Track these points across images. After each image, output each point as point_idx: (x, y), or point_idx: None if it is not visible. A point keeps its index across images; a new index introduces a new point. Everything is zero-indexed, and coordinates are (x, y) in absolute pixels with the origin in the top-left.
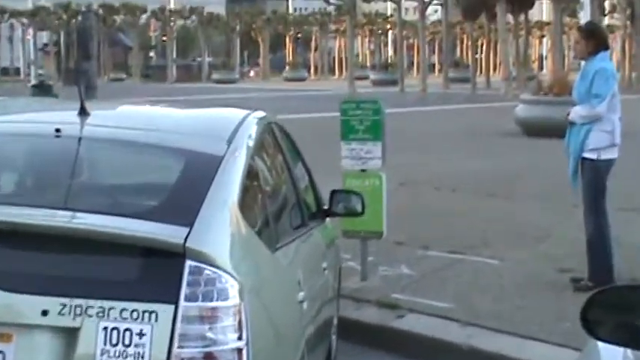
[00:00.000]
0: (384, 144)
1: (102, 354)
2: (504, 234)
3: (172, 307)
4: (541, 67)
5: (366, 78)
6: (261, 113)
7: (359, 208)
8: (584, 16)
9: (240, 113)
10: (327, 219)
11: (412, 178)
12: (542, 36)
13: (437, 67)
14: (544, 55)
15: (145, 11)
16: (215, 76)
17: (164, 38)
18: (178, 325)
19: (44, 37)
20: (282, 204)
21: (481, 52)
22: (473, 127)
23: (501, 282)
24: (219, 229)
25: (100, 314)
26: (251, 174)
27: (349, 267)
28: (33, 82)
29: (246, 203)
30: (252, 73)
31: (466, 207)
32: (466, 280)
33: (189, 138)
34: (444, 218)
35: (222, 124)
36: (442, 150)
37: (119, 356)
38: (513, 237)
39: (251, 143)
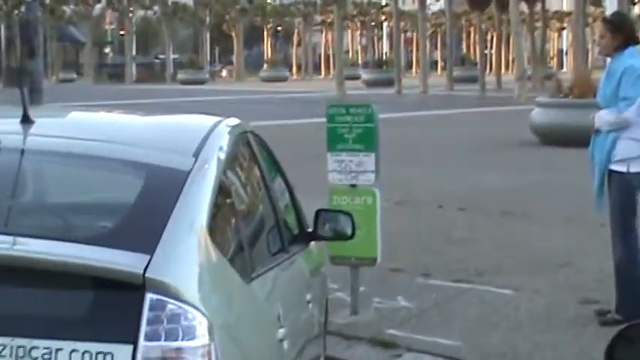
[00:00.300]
0: (377, 155)
1: None
2: (519, 259)
3: (130, 347)
4: (560, 65)
5: (357, 78)
6: (234, 120)
7: (348, 230)
8: (610, 6)
9: (209, 121)
10: (312, 243)
11: (411, 195)
12: (562, 28)
13: (440, 64)
14: (564, 50)
15: (99, 0)
16: (181, 76)
17: (122, 32)
18: None
19: None
20: (258, 226)
21: (491, 48)
22: (482, 135)
23: (516, 315)
24: (185, 256)
25: (47, 356)
26: (222, 192)
27: (338, 299)
28: None
29: (216, 226)
30: (224, 73)
31: (475, 228)
32: (474, 314)
33: (149, 150)
34: (448, 241)
35: (189, 134)
36: (446, 162)
37: None
38: (530, 263)
39: (222, 156)
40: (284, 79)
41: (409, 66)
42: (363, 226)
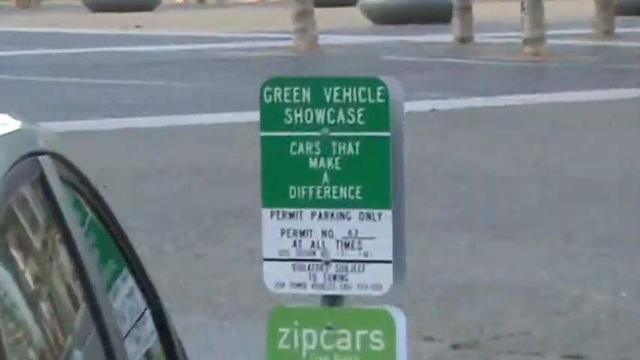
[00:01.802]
0: (400, 216)
1: None
2: None
3: None
4: None
5: (350, 3)
6: (7, 123)
7: None
8: None
9: None
10: None
11: (495, 326)
12: None
13: None
14: None
15: None
16: None
17: None
18: None
19: None
20: None
21: None
22: None
23: None
24: None
25: None
26: None
27: None
28: None
29: None
30: None
31: None
32: None
33: None
34: None
35: None
36: (585, 229)
37: None
38: None
39: None
40: (148, 7)
41: None
42: None
